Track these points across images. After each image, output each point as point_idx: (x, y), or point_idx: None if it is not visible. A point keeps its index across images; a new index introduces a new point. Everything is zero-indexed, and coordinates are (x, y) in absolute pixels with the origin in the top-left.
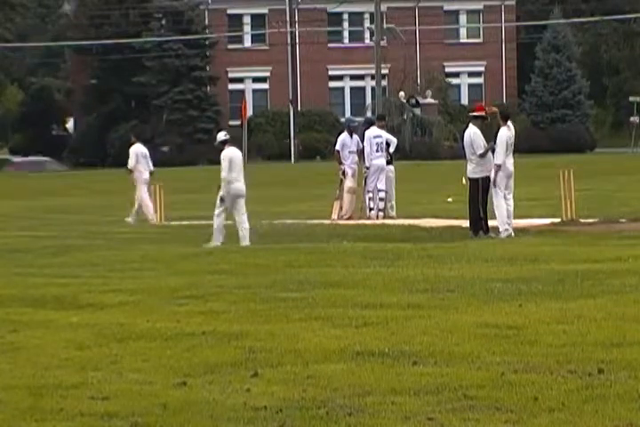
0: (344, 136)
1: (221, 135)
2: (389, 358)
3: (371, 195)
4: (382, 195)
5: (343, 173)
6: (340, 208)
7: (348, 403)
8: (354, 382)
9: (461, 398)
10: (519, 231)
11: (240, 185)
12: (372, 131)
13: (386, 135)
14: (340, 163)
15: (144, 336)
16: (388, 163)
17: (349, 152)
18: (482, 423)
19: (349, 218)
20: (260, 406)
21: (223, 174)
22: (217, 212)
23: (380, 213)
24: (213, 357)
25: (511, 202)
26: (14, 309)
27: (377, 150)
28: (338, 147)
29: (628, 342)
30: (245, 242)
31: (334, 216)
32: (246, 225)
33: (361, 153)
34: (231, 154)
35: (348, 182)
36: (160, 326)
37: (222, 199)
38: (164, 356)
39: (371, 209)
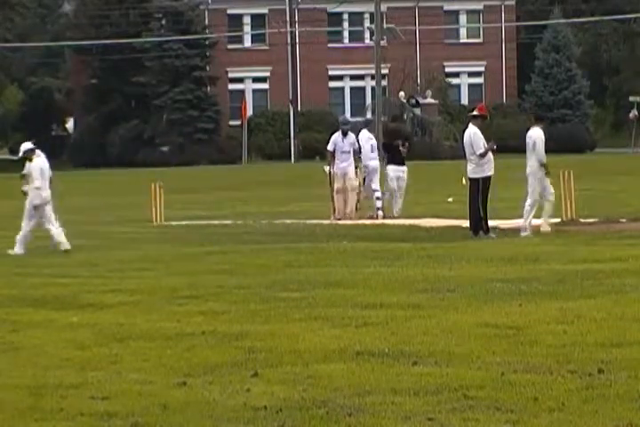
0: (336, 136)
1: (28, 144)
2: (389, 358)
3: (365, 194)
4: (378, 194)
5: (326, 170)
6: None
7: (348, 403)
8: (354, 382)
9: (461, 398)
10: (519, 231)
11: (48, 193)
12: (366, 133)
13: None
14: (330, 162)
15: (144, 336)
16: (402, 163)
17: (342, 152)
18: (482, 423)
19: (349, 218)
20: (260, 406)
21: (37, 184)
22: (31, 221)
23: (380, 213)
24: (213, 357)
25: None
26: (14, 309)
27: (371, 151)
28: (329, 147)
29: (628, 341)
30: (65, 246)
31: (338, 216)
32: (57, 230)
33: (357, 153)
34: (41, 164)
35: (338, 184)
36: (160, 325)
37: (36, 208)
38: (164, 356)
39: (378, 208)
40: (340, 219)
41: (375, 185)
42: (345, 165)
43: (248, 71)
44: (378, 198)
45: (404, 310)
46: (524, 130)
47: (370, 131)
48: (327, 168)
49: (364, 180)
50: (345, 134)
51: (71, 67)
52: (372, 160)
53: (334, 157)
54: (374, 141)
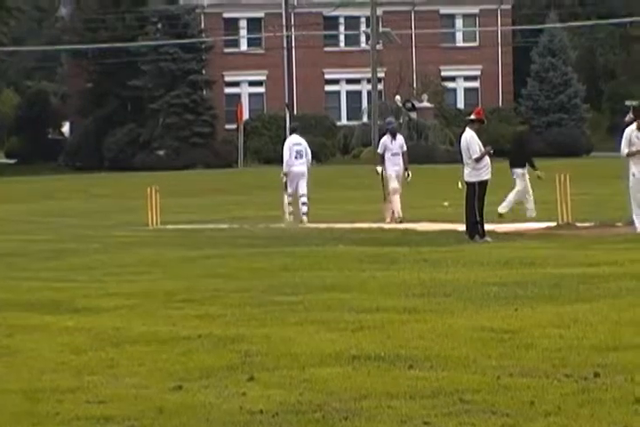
0: (385, 138)
1: None
2: (385, 362)
3: (290, 199)
4: (304, 200)
5: (379, 170)
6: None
7: (344, 407)
8: (350, 385)
9: (457, 402)
10: (515, 235)
11: None
12: (293, 138)
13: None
14: (380, 164)
15: (140, 340)
16: (523, 165)
17: (392, 155)
18: None
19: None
20: (255, 409)
21: None
22: None
23: (305, 218)
24: (209, 361)
25: None
26: (10, 313)
27: (296, 157)
28: (380, 150)
29: (623, 345)
30: None
31: (388, 219)
32: None
33: (405, 155)
34: None
35: (392, 184)
36: (156, 329)
37: None
38: (160, 360)
39: (290, 214)
40: (401, 221)
41: (302, 189)
42: (397, 167)
43: (244, 75)
44: (304, 204)
45: (399, 313)
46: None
47: (301, 136)
48: (380, 168)
49: (286, 184)
50: (394, 136)
51: (67, 70)
52: (298, 166)
53: (384, 160)
54: (300, 147)
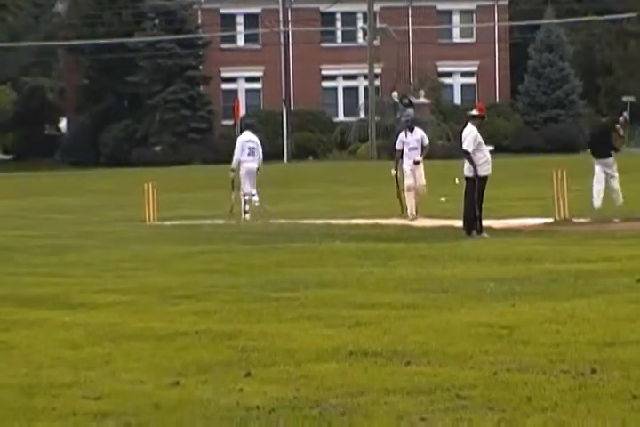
0: (402, 133)
1: None
2: (382, 358)
3: (248, 197)
4: (255, 198)
5: (392, 174)
6: (406, 208)
7: (340, 403)
8: (347, 381)
9: (454, 397)
10: (513, 231)
11: None
12: (246, 135)
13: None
14: (396, 162)
15: (137, 336)
16: (608, 155)
17: (410, 149)
18: (475, 423)
19: (414, 219)
20: (252, 405)
21: None
22: None
23: (247, 216)
24: (206, 356)
25: None
26: (7, 308)
27: (248, 154)
28: (398, 146)
29: (621, 341)
30: None
31: (411, 216)
32: None
33: (424, 149)
34: None
35: (408, 181)
36: (153, 325)
37: None
38: (157, 355)
39: (246, 212)
40: (412, 219)
41: (251, 187)
42: (412, 161)
43: (241, 71)
44: (246, 202)
45: (396, 309)
46: (517, 130)
47: (254, 133)
48: (394, 172)
49: (233, 182)
50: (411, 130)
51: (64, 66)
52: (249, 163)
53: (402, 156)
54: (253, 145)
